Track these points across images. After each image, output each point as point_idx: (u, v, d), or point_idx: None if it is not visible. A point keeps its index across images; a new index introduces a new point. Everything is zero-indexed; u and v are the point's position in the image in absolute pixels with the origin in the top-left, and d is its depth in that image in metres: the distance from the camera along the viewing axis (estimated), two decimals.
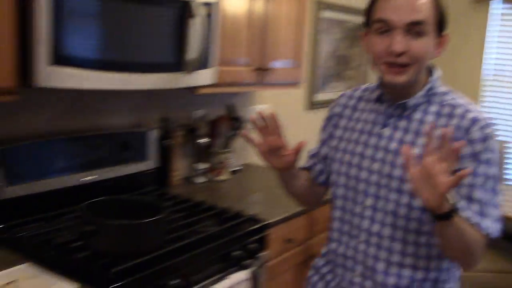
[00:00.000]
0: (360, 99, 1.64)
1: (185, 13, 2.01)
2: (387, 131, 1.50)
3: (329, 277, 1.64)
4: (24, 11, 1.60)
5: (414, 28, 1.38)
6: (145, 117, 2.60)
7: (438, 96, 1.49)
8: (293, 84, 2.96)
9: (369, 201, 1.50)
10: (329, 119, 1.70)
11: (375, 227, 1.49)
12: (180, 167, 2.79)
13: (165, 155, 2.63)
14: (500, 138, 4.09)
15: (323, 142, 1.70)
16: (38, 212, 2.03)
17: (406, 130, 1.48)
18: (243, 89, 2.70)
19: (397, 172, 1.45)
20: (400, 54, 1.38)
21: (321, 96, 3.88)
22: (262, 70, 2.63)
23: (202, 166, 2.86)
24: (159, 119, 2.62)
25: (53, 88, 1.67)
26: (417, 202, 1.41)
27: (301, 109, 3.74)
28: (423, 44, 1.39)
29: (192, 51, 2.06)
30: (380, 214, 1.48)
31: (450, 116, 1.44)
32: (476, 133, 1.39)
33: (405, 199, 1.44)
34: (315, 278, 1.69)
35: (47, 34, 1.60)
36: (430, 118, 1.46)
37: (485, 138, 1.39)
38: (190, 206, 2.30)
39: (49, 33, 1.60)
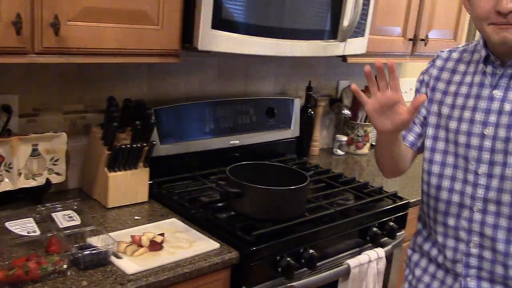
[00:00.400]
0: (459, 60, 1.49)
1: None
2: (498, 93, 1.37)
3: (434, 252, 1.52)
4: None
5: None
6: (290, 84, 2.60)
7: None
8: None
9: (483, 168, 1.38)
10: (423, 81, 1.55)
11: (492, 194, 1.37)
12: (320, 138, 2.77)
13: (307, 124, 2.61)
14: None
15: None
16: (186, 171, 2.13)
17: None
18: (394, 60, 2.56)
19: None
20: (508, 13, 1.25)
21: None
22: (416, 40, 2.47)
23: (342, 138, 2.80)
24: (304, 88, 2.60)
25: (208, 52, 1.71)
26: None
27: None
28: None
29: (347, 18, 1.99)
30: (497, 181, 1.36)
31: None
32: None
33: None
34: (416, 257, 1.59)
35: None
36: None
37: None
38: (329, 178, 2.27)
39: None
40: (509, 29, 1.27)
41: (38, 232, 1.56)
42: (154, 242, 1.56)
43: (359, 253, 1.94)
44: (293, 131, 2.51)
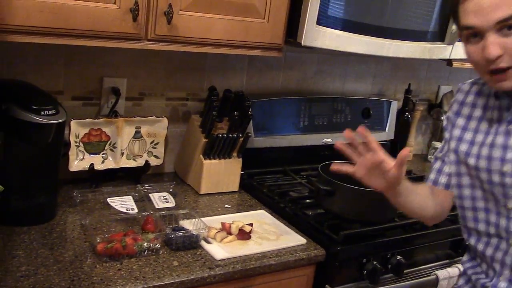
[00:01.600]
0: (479, 94, 1.35)
1: None
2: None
3: (474, 278, 1.42)
4: None
5: (505, 25, 1.13)
6: (389, 86, 2.54)
7: None
8: None
9: (511, 203, 1.26)
10: (449, 118, 1.42)
11: None
12: (415, 143, 2.68)
13: (403, 128, 2.54)
14: None
15: (446, 141, 1.43)
16: (277, 165, 2.15)
17: None
18: None
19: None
20: (498, 58, 1.15)
21: None
22: None
23: (439, 145, 2.69)
24: (403, 90, 2.53)
25: (310, 48, 1.71)
26: None
27: None
28: None
29: None
30: None
31: None
32: None
33: None
34: (462, 280, 1.48)
35: None
36: None
37: None
38: None
39: None
40: (505, 80, 1.18)
41: (136, 210, 1.65)
42: (242, 231, 1.59)
43: (448, 265, 1.87)
44: (387, 134, 2.45)
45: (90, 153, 1.77)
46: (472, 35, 1.18)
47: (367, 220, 1.72)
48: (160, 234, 1.47)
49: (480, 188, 1.34)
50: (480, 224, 1.36)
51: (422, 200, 1.42)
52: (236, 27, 1.60)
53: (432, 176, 1.45)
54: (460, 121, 1.39)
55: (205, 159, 1.86)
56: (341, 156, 2.00)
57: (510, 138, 1.27)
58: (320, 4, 1.64)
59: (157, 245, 1.44)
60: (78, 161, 1.75)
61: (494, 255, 1.35)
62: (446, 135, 1.43)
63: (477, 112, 1.36)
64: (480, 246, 1.38)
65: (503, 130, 1.28)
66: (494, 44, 1.15)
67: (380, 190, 1.33)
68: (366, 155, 1.28)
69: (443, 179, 1.44)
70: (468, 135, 1.36)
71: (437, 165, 1.45)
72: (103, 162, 1.80)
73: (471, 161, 1.34)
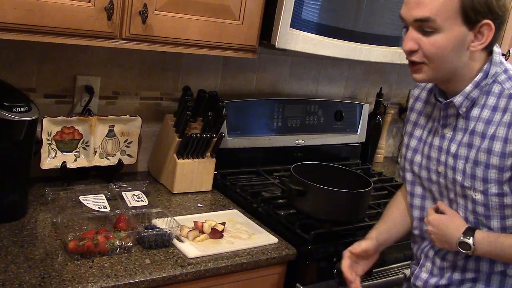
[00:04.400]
0: (430, 91, 1.43)
1: None
2: (448, 132, 1.33)
3: (412, 269, 1.54)
4: None
5: (422, 25, 1.19)
6: (361, 89, 2.59)
7: (498, 84, 1.26)
8: None
9: (445, 203, 1.37)
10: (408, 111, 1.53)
11: None
12: (386, 146, 2.74)
13: (374, 131, 2.59)
14: None
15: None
16: (251, 165, 2.17)
17: (465, 130, 1.29)
18: None
19: (458, 178, 1.29)
20: (412, 52, 1.23)
21: None
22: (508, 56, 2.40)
23: None
24: (375, 94, 2.58)
25: (284, 50, 1.74)
26: (480, 210, 1.28)
27: None
28: (435, 42, 1.19)
29: None
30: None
31: (505, 110, 1.23)
32: None
33: (470, 206, 1.30)
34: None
35: None
36: (486, 113, 1.26)
37: None
38: (392, 186, 2.24)
39: None
40: (416, 71, 1.25)
41: (108, 208, 1.65)
42: (215, 230, 1.60)
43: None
44: (359, 136, 2.50)
45: (63, 151, 1.76)
46: (404, 26, 1.25)
47: (338, 219, 1.75)
48: (132, 232, 1.48)
49: (420, 185, 1.43)
50: (415, 221, 1.46)
51: (402, 228, 1.55)
52: (211, 28, 1.62)
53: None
54: (413, 116, 1.47)
55: (178, 158, 1.87)
56: (313, 158, 2.05)
57: (444, 141, 1.34)
58: (294, 7, 1.67)
59: (129, 243, 1.44)
60: (50, 159, 1.74)
61: (422, 248, 1.46)
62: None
63: (428, 109, 1.43)
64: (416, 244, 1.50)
65: (440, 132, 1.35)
66: (410, 39, 1.22)
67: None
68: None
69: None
70: (417, 132, 1.44)
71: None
72: (75, 160, 1.79)
73: (415, 169, 1.42)
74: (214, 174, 1.98)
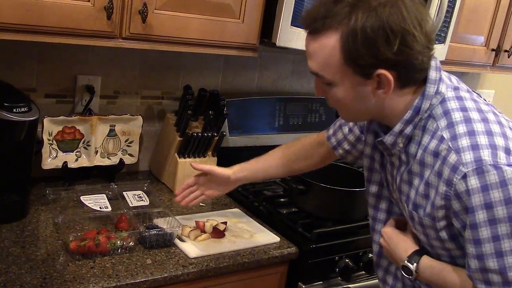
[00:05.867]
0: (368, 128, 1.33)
1: None
2: (395, 160, 1.20)
3: None
4: None
5: (319, 77, 1.10)
6: None
7: (433, 121, 1.10)
8: None
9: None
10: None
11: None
12: None
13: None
14: None
15: (361, 128, 1.40)
16: None
17: (406, 164, 1.15)
18: (473, 70, 2.49)
19: (404, 213, 1.21)
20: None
21: None
22: (499, 51, 2.39)
23: None
24: None
25: (285, 48, 1.73)
26: (427, 248, 1.18)
27: None
28: (333, 95, 1.10)
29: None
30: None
31: (435, 155, 1.07)
32: (459, 185, 1.02)
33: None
34: None
35: None
36: (420, 154, 1.11)
37: (472, 191, 1.01)
38: None
39: None
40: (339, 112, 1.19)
41: (109, 208, 1.64)
42: (217, 229, 1.60)
43: None
44: None
45: (64, 151, 1.76)
46: None
47: (340, 218, 1.74)
48: (133, 232, 1.47)
49: (386, 200, 1.33)
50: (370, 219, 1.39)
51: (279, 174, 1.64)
52: (211, 27, 1.61)
53: (333, 140, 1.49)
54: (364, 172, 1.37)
55: (179, 157, 1.87)
56: None
57: (387, 174, 1.25)
58: (294, 5, 1.66)
59: (130, 243, 1.44)
60: (51, 159, 1.73)
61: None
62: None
63: (370, 161, 1.33)
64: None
65: (384, 162, 1.27)
66: (317, 88, 1.15)
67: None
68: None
69: (340, 150, 1.48)
70: (366, 150, 1.33)
71: (345, 129, 1.46)
72: (76, 160, 1.79)
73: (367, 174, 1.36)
74: None
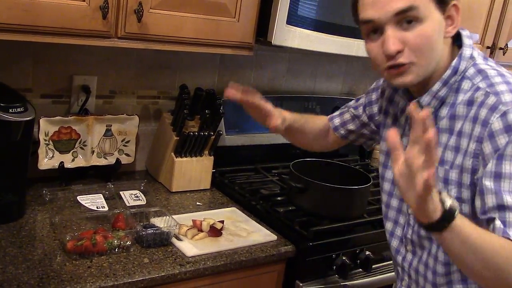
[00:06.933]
0: (390, 99, 1.36)
1: None
2: (404, 142, 1.19)
3: None
4: None
5: (404, 18, 1.08)
6: (359, 85, 2.58)
7: (468, 80, 1.14)
8: None
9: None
10: (379, 90, 1.45)
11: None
12: None
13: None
14: None
15: (364, 106, 1.50)
16: (249, 163, 2.17)
17: (439, 132, 1.17)
18: None
19: None
20: (398, 53, 1.09)
21: None
22: (494, 48, 2.40)
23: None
24: None
25: (281, 47, 1.74)
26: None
27: None
28: (422, 32, 1.08)
29: None
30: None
31: (469, 104, 1.12)
32: (496, 123, 1.04)
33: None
34: None
35: None
36: (450, 111, 1.15)
37: (510, 127, 1.02)
38: None
39: None
40: (405, 74, 1.11)
41: (106, 208, 1.64)
42: (214, 228, 1.60)
43: None
44: None
45: (60, 151, 1.76)
46: (372, 30, 1.12)
47: (337, 216, 1.75)
48: (130, 232, 1.47)
49: (397, 198, 1.32)
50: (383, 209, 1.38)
51: (310, 140, 1.64)
52: (206, 26, 1.61)
53: (336, 121, 1.58)
54: (383, 119, 1.40)
55: (176, 157, 1.87)
56: (311, 154, 2.04)
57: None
58: (290, 4, 1.66)
59: (127, 243, 1.44)
60: (48, 159, 1.73)
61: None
62: (367, 100, 1.50)
63: (392, 107, 1.36)
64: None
65: (407, 133, 1.25)
66: (394, 38, 1.09)
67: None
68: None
69: (342, 131, 1.57)
70: (383, 145, 1.37)
71: (346, 116, 1.56)
72: (73, 160, 1.79)
73: (381, 157, 1.38)
74: (213, 172, 1.98)
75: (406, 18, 1.08)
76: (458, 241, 0.96)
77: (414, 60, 1.10)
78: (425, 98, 1.16)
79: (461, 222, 0.95)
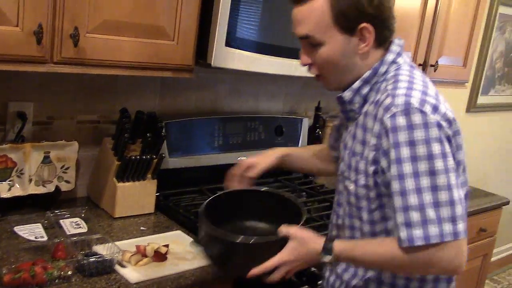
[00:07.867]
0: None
1: None
2: (350, 125, 1.38)
3: None
4: None
5: (308, 41, 1.29)
6: (300, 104, 2.63)
7: (385, 82, 1.29)
8: (458, 83, 2.78)
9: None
10: None
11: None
12: None
13: (315, 144, 2.63)
14: None
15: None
16: (194, 185, 2.16)
17: (356, 124, 1.34)
18: None
19: (343, 167, 1.37)
20: (310, 66, 1.33)
21: (484, 99, 3.60)
22: (426, 66, 2.51)
23: None
24: (313, 108, 2.63)
25: (221, 69, 1.75)
26: (352, 200, 1.33)
27: (462, 111, 3.51)
28: (322, 54, 1.28)
29: None
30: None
31: (376, 104, 1.26)
32: (387, 122, 1.19)
33: (346, 197, 1.36)
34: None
35: (225, 16, 1.69)
36: (370, 108, 1.29)
37: (399, 128, 1.16)
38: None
39: (227, 15, 1.69)
40: (323, 83, 1.36)
41: (45, 238, 1.59)
42: (158, 252, 1.57)
43: None
44: None
45: None
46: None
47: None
48: (71, 261, 1.43)
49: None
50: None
51: (309, 167, 1.79)
52: (145, 49, 1.61)
53: (330, 140, 1.70)
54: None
55: (118, 182, 1.84)
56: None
57: (347, 134, 1.39)
58: (228, 26, 1.69)
59: (68, 272, 1.40)
60: None
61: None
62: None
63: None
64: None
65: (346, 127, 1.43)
66: (303, 55, 1.32)
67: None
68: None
69: (333, 152, 1.67)
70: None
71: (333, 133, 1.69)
72: (9, 189, 1.73)
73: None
74: (157, 195, 1.95)
75: (309, 41, 1.28)
76: (349, 260, 1.29)
77: (322, 73, 1.32)
78: (347, 94, 1.32)
79: (340, 251, 1.26)
